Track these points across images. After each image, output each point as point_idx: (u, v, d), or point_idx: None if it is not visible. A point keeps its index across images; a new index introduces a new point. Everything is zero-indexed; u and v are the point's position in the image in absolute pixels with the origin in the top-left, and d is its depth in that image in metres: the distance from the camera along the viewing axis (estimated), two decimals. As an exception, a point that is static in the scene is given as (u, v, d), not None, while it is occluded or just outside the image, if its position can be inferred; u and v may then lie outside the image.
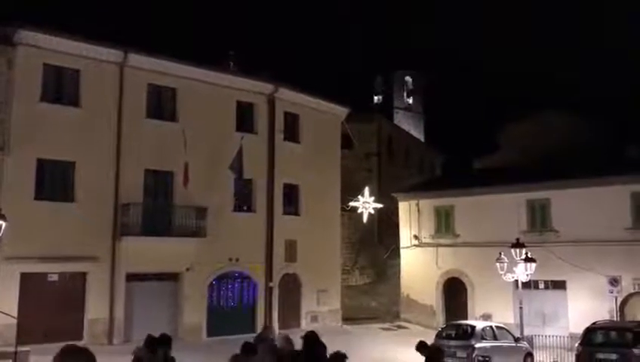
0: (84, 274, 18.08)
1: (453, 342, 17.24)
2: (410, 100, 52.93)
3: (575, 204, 22.41)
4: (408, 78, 52.72)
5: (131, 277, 18.86)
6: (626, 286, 21.11)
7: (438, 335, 17.87)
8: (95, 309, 18.09)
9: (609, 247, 21.32)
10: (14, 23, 17.17)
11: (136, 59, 19.32)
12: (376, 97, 51.85)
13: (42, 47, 17.60)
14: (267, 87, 22.82)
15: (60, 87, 18.29)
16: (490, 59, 71.17)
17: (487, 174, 27.77)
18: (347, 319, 25.30)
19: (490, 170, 29.33)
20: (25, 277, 16.76)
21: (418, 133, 51.71)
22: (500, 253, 19.41)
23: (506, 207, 23.94)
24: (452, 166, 44.24)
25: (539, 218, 23.55)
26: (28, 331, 14.71)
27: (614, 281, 21.04)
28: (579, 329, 18.03)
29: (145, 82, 19.71)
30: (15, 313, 15.63)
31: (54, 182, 18.07)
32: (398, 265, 28.10)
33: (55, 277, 17.56)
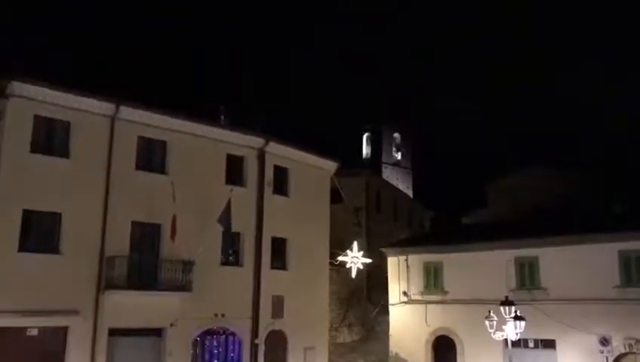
0: (65, 329, 17.58)
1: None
2: (399, 156, 53.52)
3: (563, 262, 22.38)
4: (397, 134, 53.47)
5: (114, 332, 18.38)
6: (617, 345, 20.88)
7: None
8: (75, 365, 17.54)
9: (598, 306, 21.19)
10: (7, 75, 17.28)
11: (127, 111, 19.43)
12: (365, 152, 52.37)
13: (34, 98, 17.68)
14: (258, 141, 22.98)
15: (50, 138, 18.25)
16: (478, 116, 72.60)
17: (476, 230, 27.81)
18: (335, 378, 24.71)
19: (479, 226, 29.40)
20: (2, 332, 16.26)
21: (406, 188, 52.04)
22: (490, 311, 19.23)
23: (494, 264, 23.86)
24: (440, 221, 44.34)
25: (527, 275, 23.43)
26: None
27: (605, 341, 20.85)
28: (570, 390, 17.73)
29: (135, 134, 19.78)
30: (-9, 369, 15.13)
31: (40, 233, 17.77)
32: (387, 321, 27.69)
33: (35, 332, 17.03)
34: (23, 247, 17.14)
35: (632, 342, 20.71)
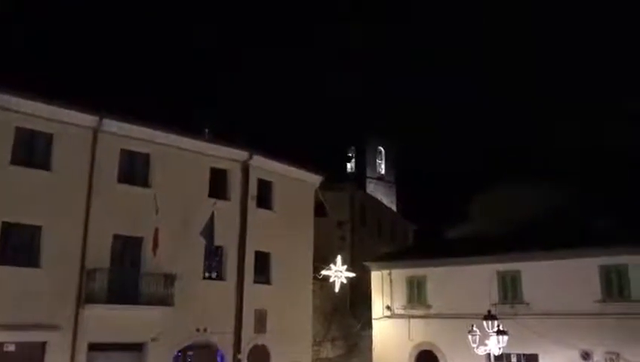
0: (43, 344, 17.27)
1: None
2: (383, 170, 53.69)
3: (545, 276, 22.53)
4: (381, 149, 53.68)
5: (94, 347, 18.10)
6: (598, 360, 20.99)
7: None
8: (53, 381, 17.22)
9: (580, 320, 21.32)
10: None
11: (110, 124, 19.32)
12: (349, 166, 52.46)
13: (16, 110, 17.53)
14: (242, 154, 22.94)
15: (32, 150, 18.07)
16: (460, 130, 73.02)
17: (459, 245, 27.90)
18: (317, 393, 24.53)
19: (462, 241, 29.49)
20: (-21, 347, 15.98)
21: (390, 203, 52.13)
22: (472, 325, 19.25)
23: (477, 278, 23.94)
24: (424, 235, 44.42)
25: (510, 290, 23.54)
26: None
27: (586, 355, 20.96)
28: (552, 405, 17.76)
29: (118, 147, 19.65)
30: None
31: (19, 246, 17.53)
32: (371, 336, 27.61)
33: (12, 348, 16.68)
34: (2, 260, 16.90)
35: (613, 356, 20.83)
